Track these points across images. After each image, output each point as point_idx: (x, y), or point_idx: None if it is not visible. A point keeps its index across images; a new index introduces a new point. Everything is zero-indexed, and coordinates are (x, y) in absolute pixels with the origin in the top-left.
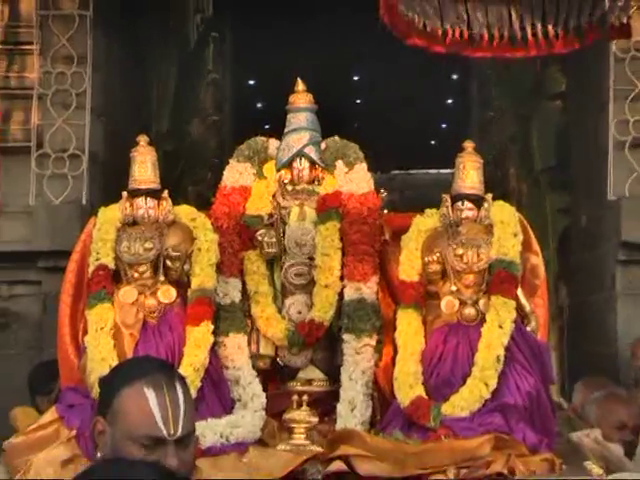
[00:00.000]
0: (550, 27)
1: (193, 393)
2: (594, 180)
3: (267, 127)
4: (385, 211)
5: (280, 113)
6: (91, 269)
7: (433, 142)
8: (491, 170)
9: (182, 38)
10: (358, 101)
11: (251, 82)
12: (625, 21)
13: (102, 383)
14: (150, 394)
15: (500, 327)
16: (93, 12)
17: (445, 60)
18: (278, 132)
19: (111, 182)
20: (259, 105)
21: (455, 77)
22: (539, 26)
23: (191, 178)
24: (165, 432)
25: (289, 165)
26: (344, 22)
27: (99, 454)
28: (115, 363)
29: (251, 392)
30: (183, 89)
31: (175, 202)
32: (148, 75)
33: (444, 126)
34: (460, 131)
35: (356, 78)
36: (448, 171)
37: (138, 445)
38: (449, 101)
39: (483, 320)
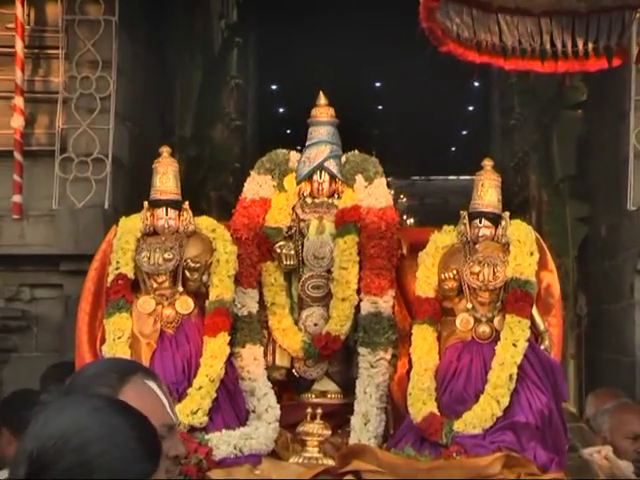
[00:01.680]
0: (580, 46)
1: (209, 404)
2: (614, 189)
3: (289, 132)
4: (405, 217)
5: (301, 118)
6: (110, 278)
7: (453, 149)
8: (512, 177)
9: (206, 43)
10: (379, 107)
11: (274, 87)
12: None
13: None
14: (152, 385)
15: (514, 345)
16: (119, 17)
17: (467, 67)
18: (299, 137)
19: (134, 186)
20: (281, 110)
21: (477, 84)
22: (569, 44)
23: (213, 183)
24: (174, 419)
25: (309, 178)
26: (367, 29)
27: None
28: None
29: (266, 404)
30: (207, 94)
31: (197, 206)
32: (172, 80)
33: (464, 133)
34: (480, 138)
35: (378, 84)
36: (467, 177)
37: None
38: (470, 108)
39: (497, 338)
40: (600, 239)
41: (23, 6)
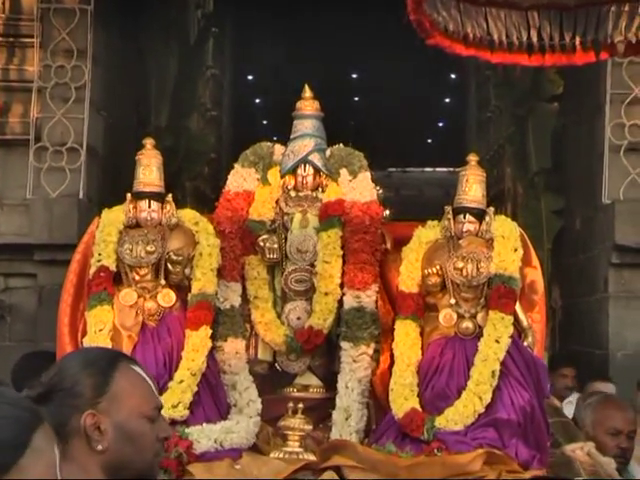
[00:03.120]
0: (567, 39)
1: (190, 397)
2: (589, 183)
3: (265, 122)
4: (381, 208)
5: (277, 109)
6: (92, 270)
7: (430, 140)
8: (487, 170)
9: (182, 33)
10: (356, 99)
11: (250, 78)
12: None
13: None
14: (138, 369)
15: (497, 342)
16: (94, 6)
17: (444, 59)
18: (275, 127)
19: (109, 176)
20: (257, 100)
21: (453, 76)
22: (557, 37)
23: (189, 173)
24: (160, 401)
25: (293, 171)
26: (344, 20)
27: (100, 447)
28: None
29: (247, 398)
30: (182, 84)
31: (173, 196)
32: (148, 70)
33: (441, 125)
34: (457, 130)
35: (354, 76)
36: (444, 169)
37: (147, 420)
38: (447, 100)
39: (480, 334)
40: (575, 232)
41: None
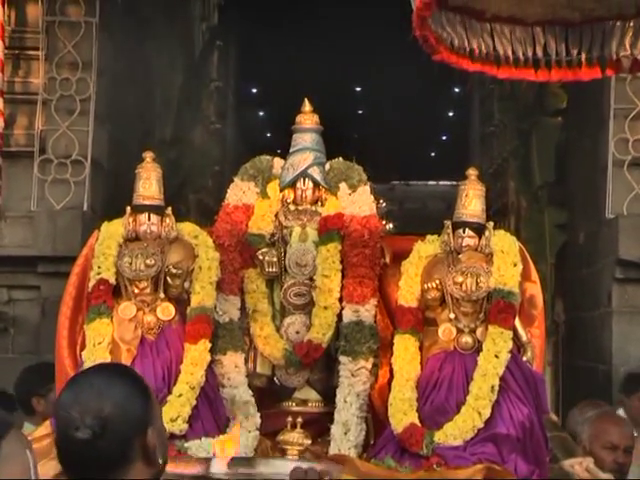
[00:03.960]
0: (573, 55)
1: (188, 411)
2: (592, 197)
3: (268, 135)
4: (384, 222)
5: (281, 122)
6: (92, 283)
7: (433, 154)
8: (491, 184)
9: (187, 46)
10: (360, 112)
11: (254, 91)
12: None
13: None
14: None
15: (496, 357)
16: (99, 19)
17: (448, 72)
18: (279, 141)
19: (113, 189)
20: (261, 113)
21: (457, 90)
22: (562, 53)
23: (192, 186)
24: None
25: (292, 185)
26: (348, 33)
27: (161, 459)
28: None
29: (246, 412)
30: (187, 97)
31: (176, 209)
32: (152, 83)
33: (445, 138)
34: (461, 144)
35: (358, 89)
36: (447, 183)
37: None
38: (450, 113)
39: (480, 349)
40: (578, 246)
41: (4, 7)
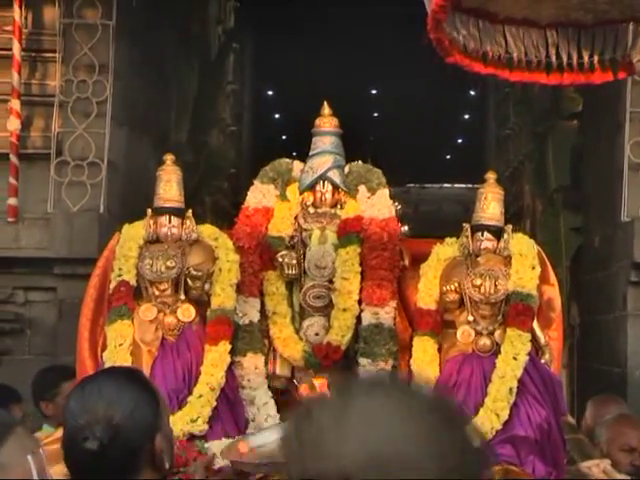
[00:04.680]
0: (586, 57)
1: (209, 412)
2: (608, 201)
3: (284, 138)
4: (399, 224)
5: (297, 124)
6: (113, 285)
7: (448, 157)
8: (506, 187)
9: (203, 49)
10: (375, 114)
11: (270, 93)
12: None
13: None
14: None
15: (514, 359)
16: (116, 22)
17: (464, 76)
18: (295, 143)
19: (129, 191)
20: (277, 116)
21: (473, 93)
22: (575, 56)
23: (209, 188)
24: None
25: (312, 188)
26: (364, 36)
27: (167, 464)
28: None
29: (265, 413)
30: (203, 99)
31: (193, 211)
32: (168, 85)
33: (460, 141)
34: (476, 147)
35: (374, 92)
36: (462, 186)
37: None
38: (466, 116)
39: (498, 351)
40: (593, 250)
41: (21, 9)
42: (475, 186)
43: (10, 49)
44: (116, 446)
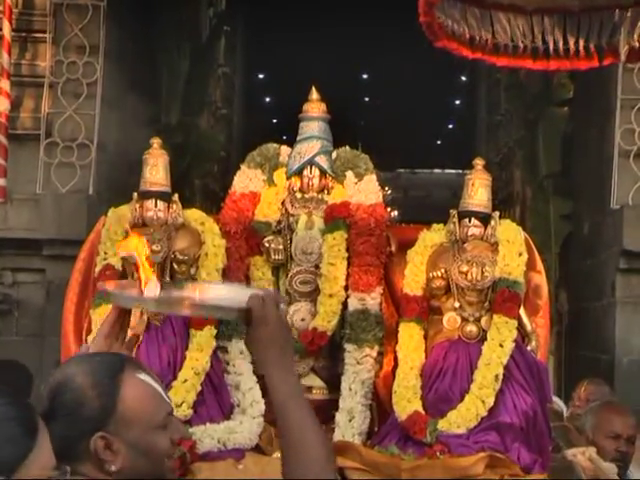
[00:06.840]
0: (571, 43)
1: (193, 397)
2: (598, 188)
3: (275, 121)
4: (388, 209)
5: (288, 108)
6: (98, 268)
7: (439, 142)
8: (496, 173)
9: (194, 31)
10: (366, 99)
11: (261, 76)
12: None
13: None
14: (143, 376)
15: (500, 346)
16: (107, 3)
17: (455, 61)
18: (285, 126)
19: (118, 173)
20: (268, 99)
21: (464, 79)
22: (561, 42)
23: (198, 171)
24: (170, 405)
25: (299, 173)
26: (356, 21)
27: (113, 467)
28: None
29: (251, 398)
30: (193, 82)
31: (181, 194)
32: (159, 67)
33: (451, 126)
34: (466, 132)
35: (365, 76)
36: (452, 171)
37: (160, 429)
38: (457, 102)
39: (484, 338)
40: (583, 237)
41: None
42: (465, 172)
43: (0, 29)
44: None
